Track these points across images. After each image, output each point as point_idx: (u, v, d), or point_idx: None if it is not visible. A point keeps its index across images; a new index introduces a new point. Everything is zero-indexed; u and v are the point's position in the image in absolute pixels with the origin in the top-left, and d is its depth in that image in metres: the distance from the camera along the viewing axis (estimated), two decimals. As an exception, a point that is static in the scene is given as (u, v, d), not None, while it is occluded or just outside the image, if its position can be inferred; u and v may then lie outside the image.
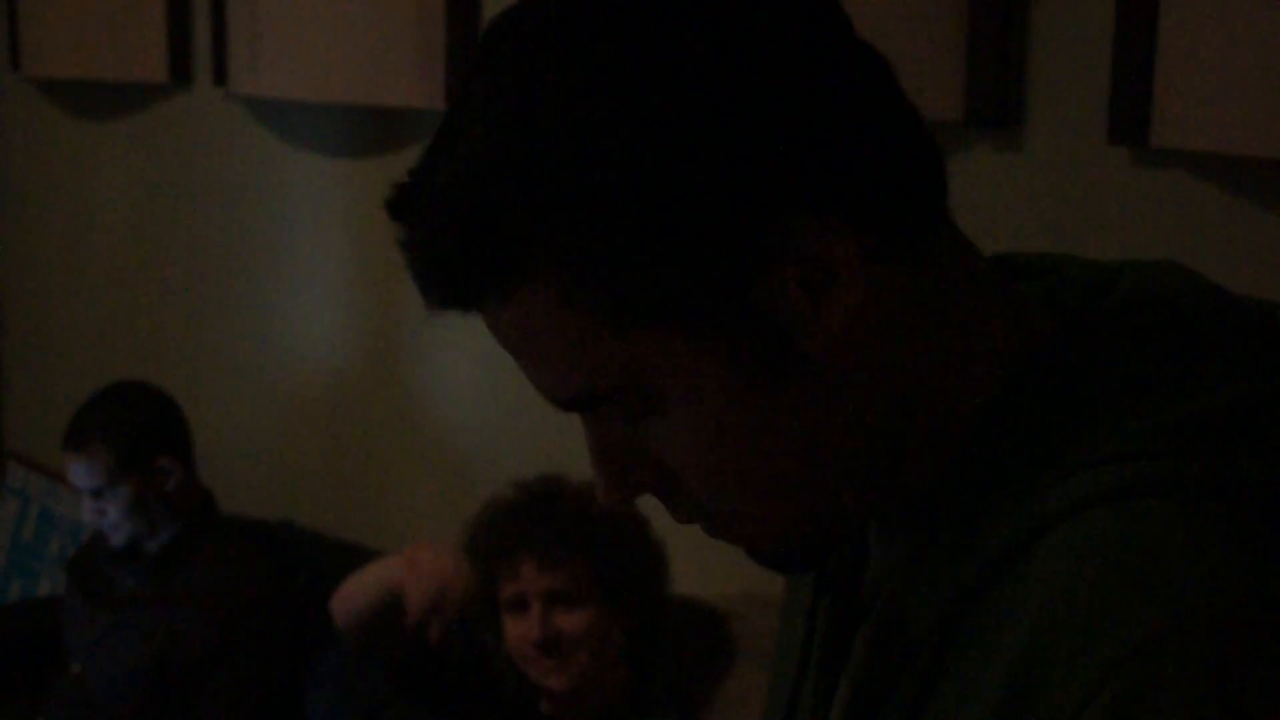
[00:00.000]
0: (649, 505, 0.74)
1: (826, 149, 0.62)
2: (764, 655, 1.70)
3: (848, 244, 0.61)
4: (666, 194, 0.60)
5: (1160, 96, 1.63)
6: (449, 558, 1.75)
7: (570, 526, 1.72)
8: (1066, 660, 0.57)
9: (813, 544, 0.68)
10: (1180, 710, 0.54)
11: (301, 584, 2.24)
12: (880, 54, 0.65)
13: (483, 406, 2.36)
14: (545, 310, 0.62)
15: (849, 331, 0.63)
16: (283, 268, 2.66)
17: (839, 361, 0.63)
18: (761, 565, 0.70)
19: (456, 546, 1.77)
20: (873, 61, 0.65)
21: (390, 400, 2.52)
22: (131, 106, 2.87)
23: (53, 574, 2.94)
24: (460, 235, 0.61)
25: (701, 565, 1.86)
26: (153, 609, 2.20)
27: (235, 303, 2.76)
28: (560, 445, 2.12)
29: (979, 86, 1.81)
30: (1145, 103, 1.65)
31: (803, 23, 0.63)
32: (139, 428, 2.19)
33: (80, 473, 2.15)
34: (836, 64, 0.63)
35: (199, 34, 2.64)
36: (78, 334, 3.08)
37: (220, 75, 2.60)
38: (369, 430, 2.56)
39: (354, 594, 1.82)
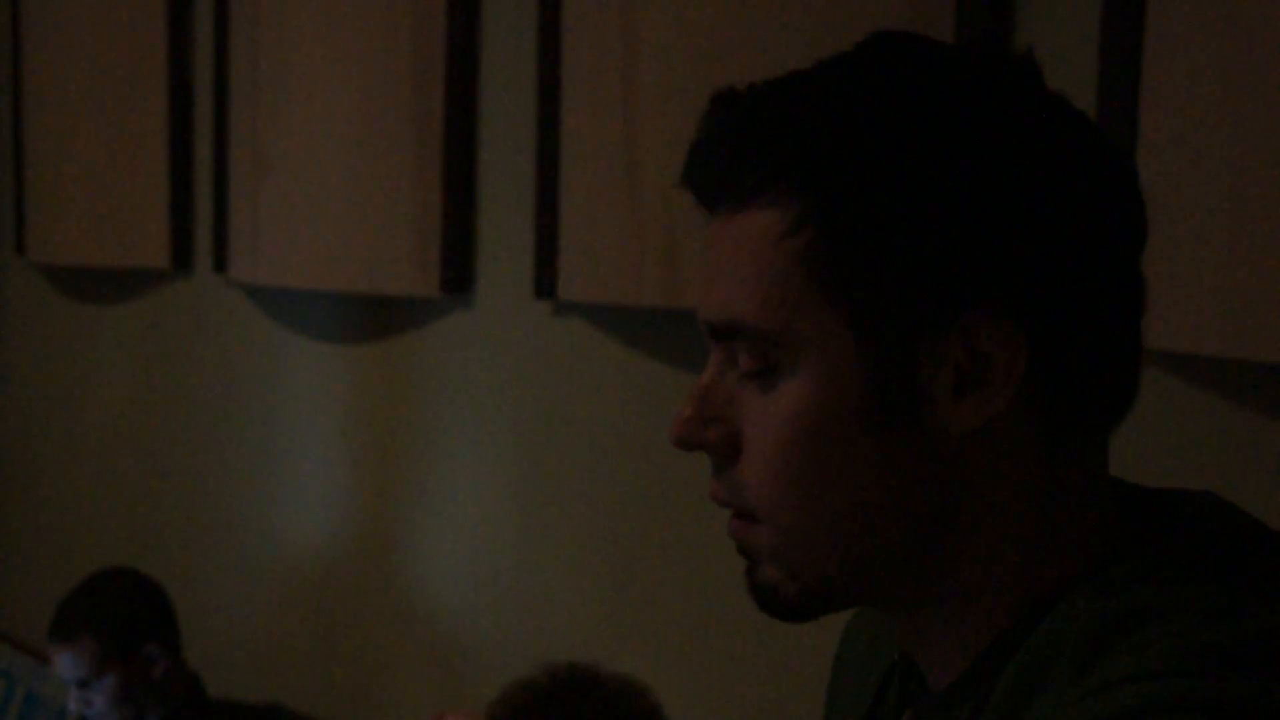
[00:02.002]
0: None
1: (1073, 289, 0.63)
2: None
3: (1018, 365, 0.62)
4: (924, 212, 0.62)
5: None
6: None
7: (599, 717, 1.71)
8: None
9: (812, 593, 0.68)
10: None
11: None
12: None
13: (472, 593, 2.33)
14: (766, 231, 0.64)
15: (968, 437, 0.63)
16: (277, 452, 2.65)
17: (944, 453, 0.64)
18: (752, 594, 0.69)
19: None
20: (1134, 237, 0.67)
21: (380, 585, 2.49)
22: (133, 292, 2.88)
23: None
24: (750, 131, 0.65)
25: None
26: None
27: (228, 486, 2.74)
28: (548, 630, 2.17)
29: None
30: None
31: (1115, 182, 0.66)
32: (125, 617, 2.16)
33: (66, 664, 2.13)
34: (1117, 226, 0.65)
35: (200, 221, 2.68)
36: (69, 514, 3.07)
37: (220, 262, 2.62)
38: (359, 614, 2.53)
39: None
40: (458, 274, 2.19)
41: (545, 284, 2.06)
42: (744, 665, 1.96)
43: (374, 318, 2.41)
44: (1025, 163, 0.63)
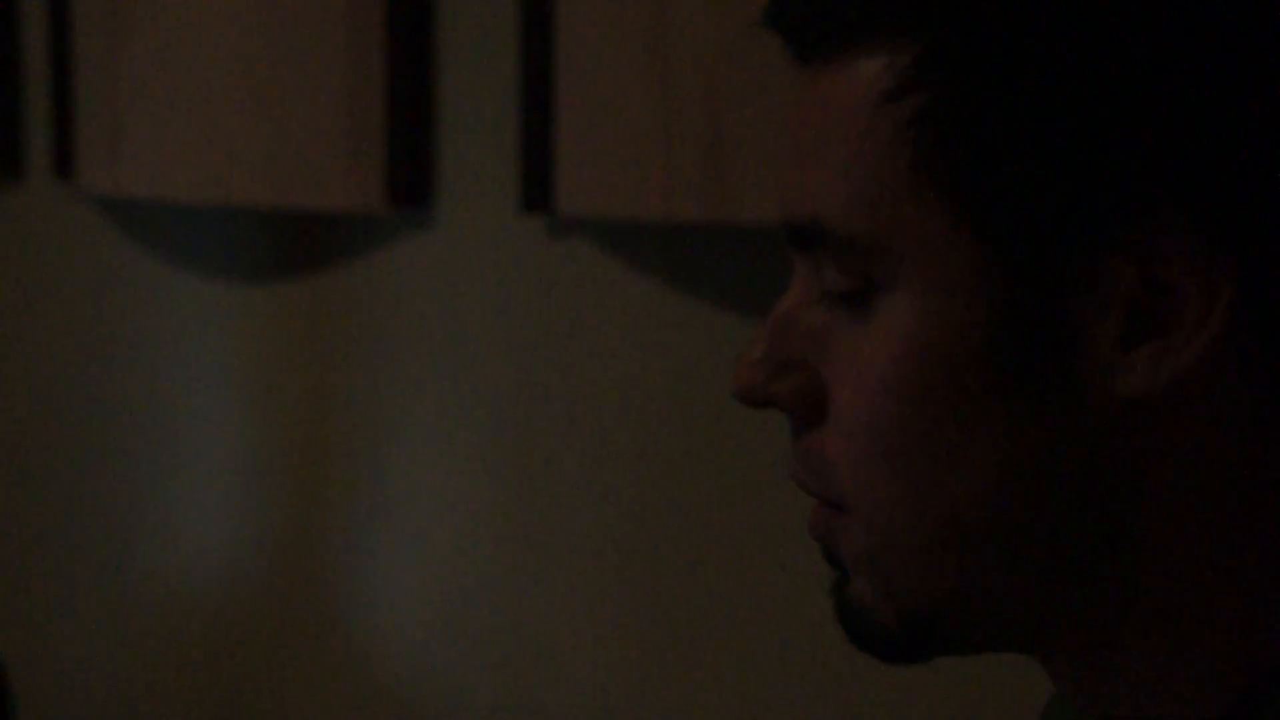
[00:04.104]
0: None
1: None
2: None
3: (1219, 301, 0.54)
4: (1088, 75, 0.54)
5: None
6: None
7: None
8: None
9: (919, 621, 0.59)
10: None
11: None
12: None
13: (438, 633, 1.96)
14: (866, 90, 0.56)
15: (1144, 402, 0.55)
16: (153, 429, 2.19)
17: (1110, 423, 0.56)
18: (839, 619, 0.62)
19: None
20: None
21: (309, 622, 2.06)
22: None
23: None
24: None
25: None
26: None
27: (79, 482, 2.28)
28: (544, 688, 1.90)
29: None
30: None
31: None
32: None
33: None
34: None
35: (33, 113, 2.30)
36: None
37: (64, 166, 2.20)
38: (274, 668, 2.11)
39: None
40: (410, 182, 1.88)
41: (536, 194, 1.75)
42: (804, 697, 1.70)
43: (293, 242, 2.03)
44: (1235, 18, 0.54)
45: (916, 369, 0.56)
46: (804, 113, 0.58)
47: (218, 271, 2.13)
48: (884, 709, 1.67)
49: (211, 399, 2.15)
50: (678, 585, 1.78)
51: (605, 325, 1.79)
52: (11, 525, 2.35)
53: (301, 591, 2.07)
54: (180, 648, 2.16)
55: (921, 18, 0.54)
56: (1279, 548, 0.56)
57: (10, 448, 2.38)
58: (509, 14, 1.81)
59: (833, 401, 0.58)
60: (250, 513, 2.13)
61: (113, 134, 2.13)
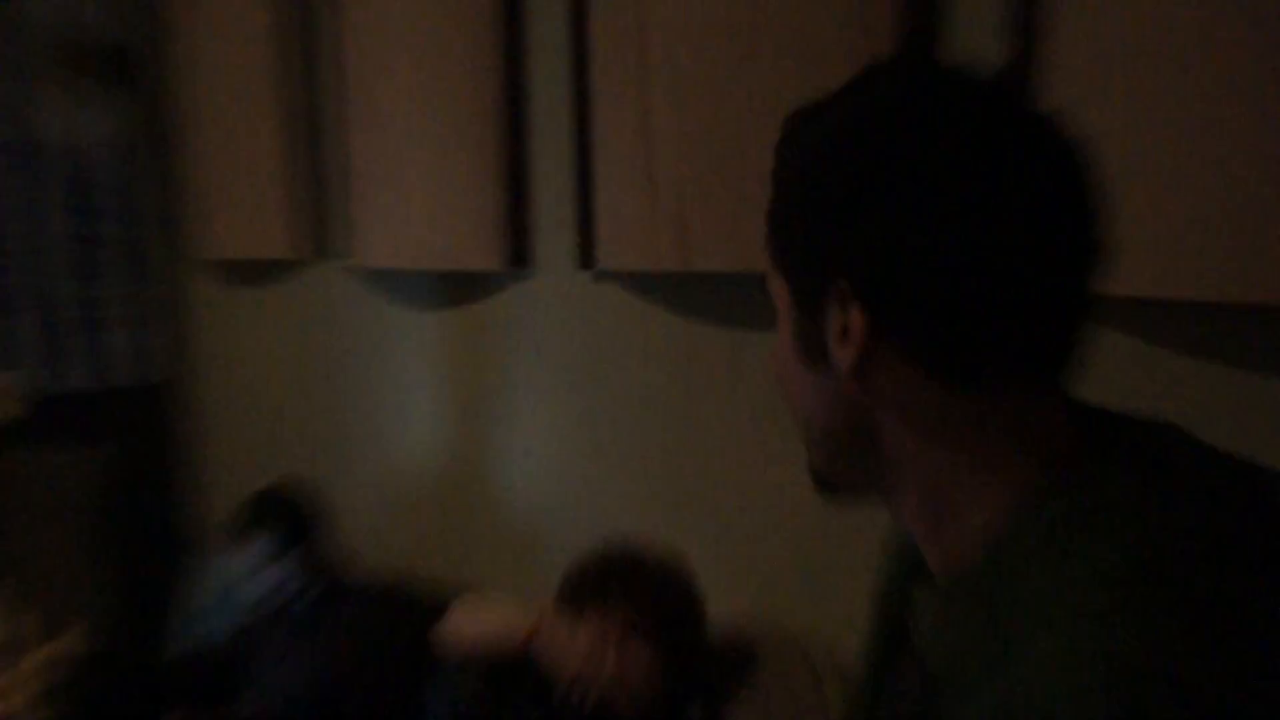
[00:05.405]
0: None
1: (904, 280, 0.64)
2: (772, 660, 1.87)
3: (861, 326, 0.66)
4: (811, 221, 0.67)
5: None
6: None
7: (646, 580, 1.80)
8: None
9: (820, 478, 0.72)
10: None
11: (415, 619, 2.29)
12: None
13: (542, 494, 2.36)
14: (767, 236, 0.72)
15: (855, 371, 0.67)
16: (392, 394, 2.69)
17: (846, 383, 0.68)
18: (809, 468, 0.73)
19: (518, 603, 1.86)
20: (1080, 247, 0.64)
21: (476, 486, 2.52)
22: (280, 277, 2.95)
23: (238, 618, 2.67)
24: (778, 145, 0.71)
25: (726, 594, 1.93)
26: (309, 644, 2.31)
27: (361, 418, 2.79)
28: (601, 520, 2.22)
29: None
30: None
31: (1035, 194, 0.63)
32: (292, 514, 2.32)
33: (252, 549, 2.30)
34: (1026, 241, 0.63)
35: (332, 218, 2.68)
36: (248, 443, 3.20)
37: (344, 251, 2.65)
38: (459, 511, 2.58)
39: (468, 625, 1.91)
40: (518, 252, 2.23)
41: (586, 257, 2.08)
42: (752, 544, 2.00)
43: (457, 290, 2.44)
44: (909, 178, 0.63)
45: (779, 353, 0.71)
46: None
47: (418, 306, 2.56)
48: (836, 522, 1.90)
49: (421, 375, 2.59)
50: (678, 464, 2.07)
51: (630, 337, 2.11)
52: (333, 443, 2.77)
53: (470, 473, 2.50)
54: (411, 497, 2.64)
55: (774, 183, 0.70)
56: (958, 445, 0.66)
57: (331, 403, 2.83)
58: (568, 153, 2.06)
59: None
60: (440, 430, 2.58)
61: (367, 229, 2.46)
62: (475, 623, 1.91)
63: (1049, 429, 0.66)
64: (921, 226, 0.63)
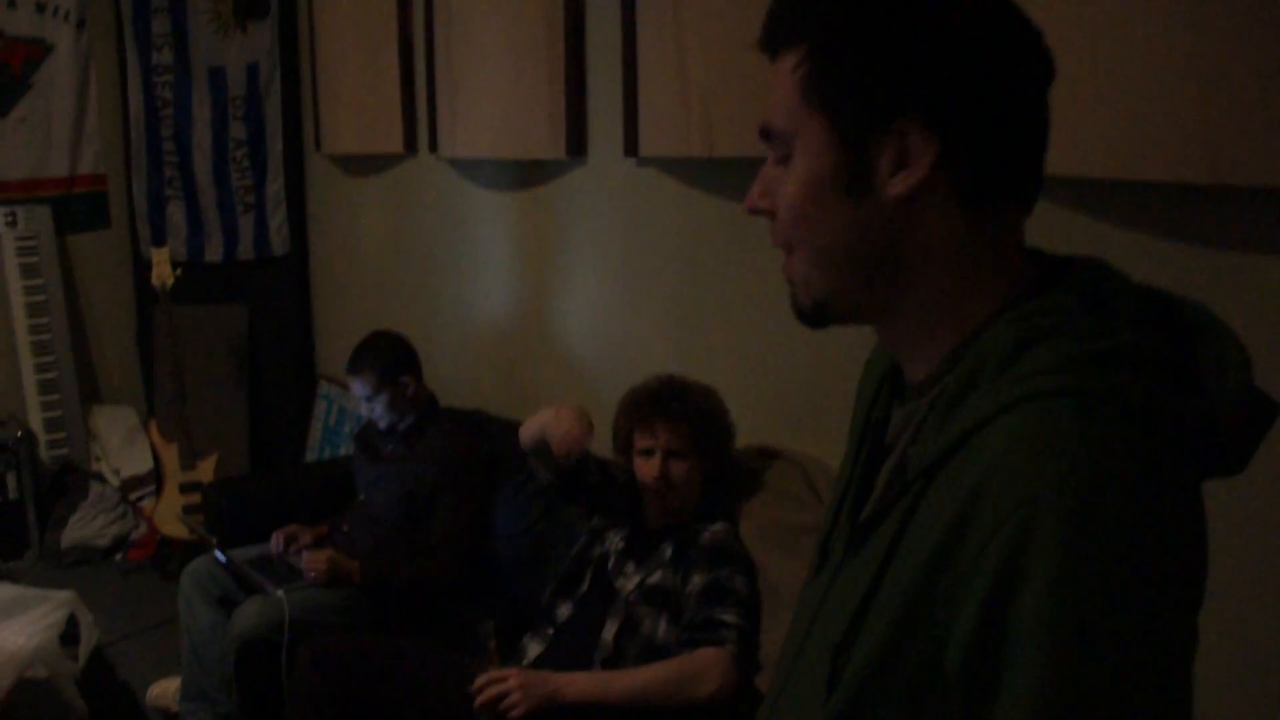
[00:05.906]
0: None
1: (979, 115, 0.67)
2: (774, 485, 1.96)
3: (929, 157, 0.68)
4: (872, 52, 0.69)
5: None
6: (575, 417, 1.95)
7: (687, 407, 1.90)
8: (989, 508, 0.63)
9: (819, 305, 0.74)
10: (1056, 536, 0.60)
11: (488, 447, 2.54)
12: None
13: (593, 330, 2.55)
14: (790, 69, 0.73)
15: (902, 201, 0.69)
16: (472, 260, 2.93)
17: (887, 211, 0.70)
18: (792, 308, 0.75)
19: (580, 409, 1.98)
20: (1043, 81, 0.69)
21: (540, 335, 2.70)
22: (384, 168, 3.23)
23: (347, 444, 3.27)
24: (786, 6, 0.73)
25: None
26: (404, 463, 2.50)
27: (446, 281, 3.01)
28: (641, 358, 2.32)
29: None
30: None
31: (1019, 34, 0.69)
32: (390, 358, 2.49)
33: (357, 387, 2.51)
34: (1031, 73, 0.69)
35: (420, 119, 2.97)
36: (355, 303, 3.43)
37: (433, 145, 2.94)
38: (527, 352, 2.76)
39: (527, 429, 2.04)
40: (577, 142, 2.44)
41: (631, 145, 2.27)
42: (771, 373, 2.12)
43: (525, 175, 2.67)
44: (943, 21, 0.68)
45: (805, 184, 0.72)
46: (770, 80, 0.74)
47: (495, 188, 2.83)
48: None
49: (495, 245, 2.85)
50: (704, 312, 2.20)
51: (666, 211, 2.26)
52: (427, 297, 3.06)
53: (535, 321, 2.69)
54: (487, 341, 2.85)
55: (807, 35, 0.72)
56: (972, 274, 0.70)
57: (422, 268, 3.05)
58: (616, 60, 2.22)
59: (780, 206, 0.75)
60: (512, 290, 2.81)
61: (451, 126, 2.77)
62: (546, 422, 1.98)
63: (1019, 255, 0.73)
64: (983, 56, 0.68)
